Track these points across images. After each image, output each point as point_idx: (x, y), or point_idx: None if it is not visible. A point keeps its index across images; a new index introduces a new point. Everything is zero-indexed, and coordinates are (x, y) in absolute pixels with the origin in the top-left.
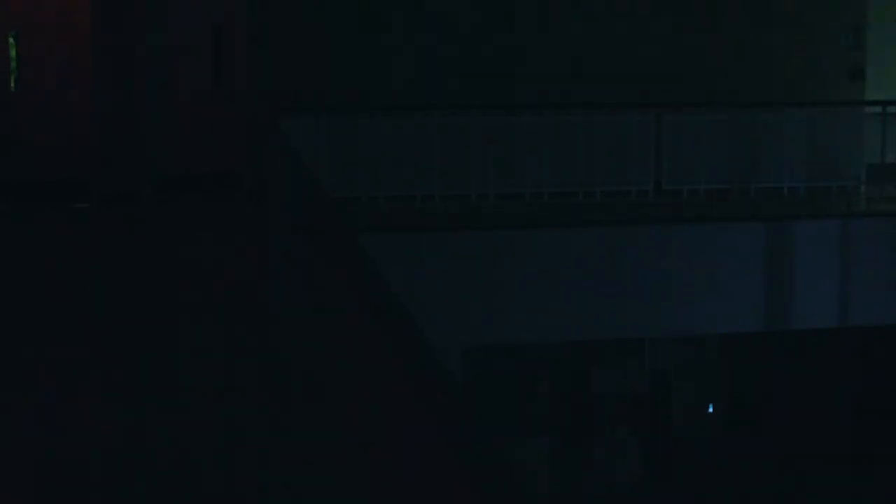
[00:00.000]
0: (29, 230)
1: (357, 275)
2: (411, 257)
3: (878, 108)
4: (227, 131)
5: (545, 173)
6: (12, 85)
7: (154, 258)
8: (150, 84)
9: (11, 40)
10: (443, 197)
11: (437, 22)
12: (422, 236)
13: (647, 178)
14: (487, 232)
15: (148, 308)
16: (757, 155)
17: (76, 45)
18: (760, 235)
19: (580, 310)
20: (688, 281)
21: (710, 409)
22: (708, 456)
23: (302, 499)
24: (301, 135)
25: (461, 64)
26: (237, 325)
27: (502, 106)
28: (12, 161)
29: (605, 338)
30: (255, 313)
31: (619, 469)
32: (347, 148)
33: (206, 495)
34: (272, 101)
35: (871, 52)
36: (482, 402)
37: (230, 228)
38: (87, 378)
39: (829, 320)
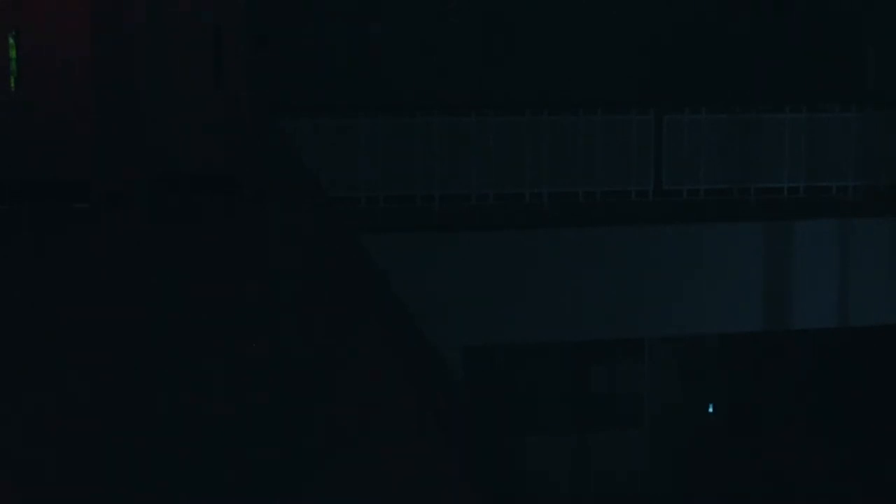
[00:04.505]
0: (29, 230)
1: (357, 274)
2: (411, 257)
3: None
4: (227, 131)
5: (545, 173)
6: (12, 85)
7: (154, 258)
8: (150, 84)
9: (11, 40)
10: (443, 197)
11: (437, 23)
12: (422, 236)
13: (648, 178)
14: (487, 232)
15: (148, 308)
16: (757, 155)
17: (76, 45)
18: (760, 235)
19: (580, 310)
20: (688, 281)
21: (711, 409)
22: (708, 455)
23: (301, 497)
24: (301, 135)
25: (461, 64)
26: (238, 323)
27: (502, 106)
28: (12, 161)
29: (605, 338)
30: (256, 312)
31: (619, 468)
32: (347, 148)
33: (206, 494)
34: (272, 101)
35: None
36: (482, 402)
37: (230, 228)
38: (87, 378)
39: (829, 320)
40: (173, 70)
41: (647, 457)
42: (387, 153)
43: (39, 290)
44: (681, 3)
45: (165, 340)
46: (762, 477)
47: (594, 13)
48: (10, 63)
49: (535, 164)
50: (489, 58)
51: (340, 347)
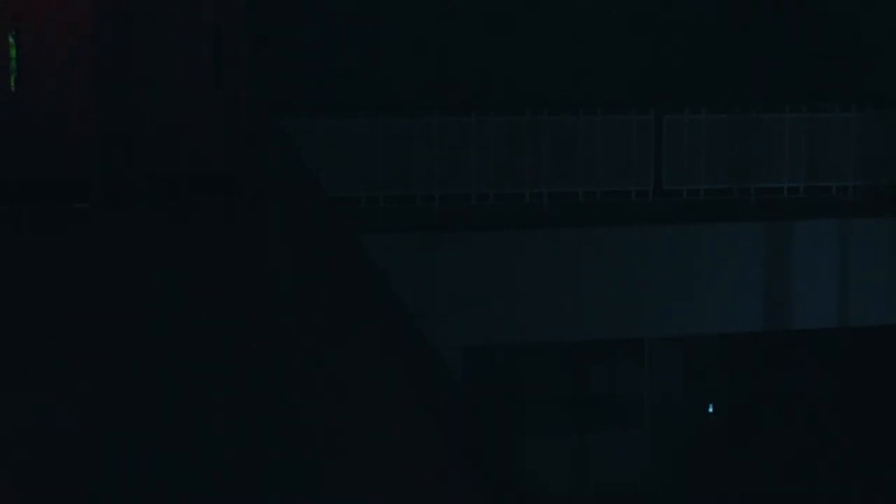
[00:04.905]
0: (29, 230)
1: (357, 274)
2: (411, 257)
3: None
4: (228, 131)
5: (545, 173)
6: (12, 85)
7: (154, 258)
8: (150, 84)
9: (11, 40)
10: (443, 197)
11: (437, 23)
12: (422, 236)
13: (648, 178)
14: (487, 232)
15: (148, 308)
16: (757, 155)
17: (76, 45)
18: (760, 235)
19: (580, 310)
20: (688, 281)
21: (711, 409)
22: (708, 455)
23: (301, 497)
24: (301, 135)
25: (461, 64)
26: (238, 323)
27: (502, 106)
28: (12, 161)
29: (605, 338)
30: (255, 311)
31: (619, 468)
32: (347, 148)
33: (206, 494)
34: (272, 101)
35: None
36: (482, 402)
37: (230, 228)
38: (87, 378)
39: (829, 320)
40: (173, 70)
41: (647, 457)
42: (387, 153)
43: (39, 290)
44: (681, 3)
45: (165, 340)
46: (762, 477)
47: (594, 13)
48: (10, 63)
49: (535, 164)
50: (489, 58)
51: (340, 347)
